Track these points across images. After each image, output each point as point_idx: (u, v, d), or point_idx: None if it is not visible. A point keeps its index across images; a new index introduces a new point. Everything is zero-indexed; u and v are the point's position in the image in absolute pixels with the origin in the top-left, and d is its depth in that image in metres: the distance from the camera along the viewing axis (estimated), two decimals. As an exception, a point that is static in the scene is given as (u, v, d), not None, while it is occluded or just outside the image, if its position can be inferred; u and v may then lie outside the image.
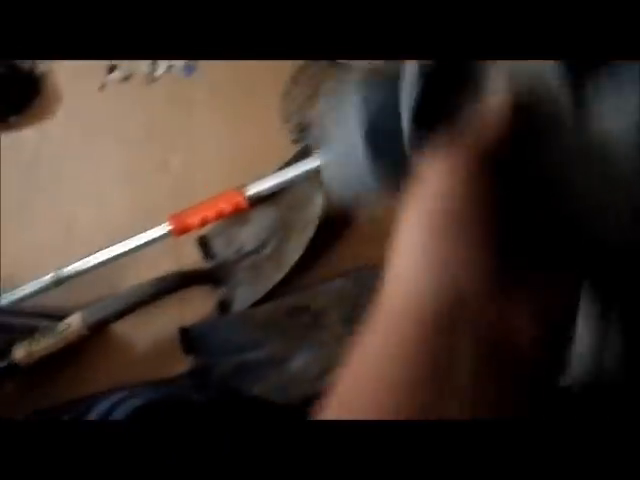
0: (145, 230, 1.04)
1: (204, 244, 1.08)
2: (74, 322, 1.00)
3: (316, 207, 0.96)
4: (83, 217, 1.20)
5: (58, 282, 1.04)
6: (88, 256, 1.05)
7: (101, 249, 1.05)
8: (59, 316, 1.03)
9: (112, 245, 1.04)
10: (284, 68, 1.05)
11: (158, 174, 1.20)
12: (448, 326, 0.37)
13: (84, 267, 1.04)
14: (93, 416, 0.67)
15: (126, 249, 1.03)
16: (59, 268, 1.05)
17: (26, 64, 1.40)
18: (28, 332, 1.03)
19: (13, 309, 1.07)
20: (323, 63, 1.01)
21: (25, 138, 1.34)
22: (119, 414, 0.65)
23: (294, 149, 1.03)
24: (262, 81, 1.19)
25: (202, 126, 1.22)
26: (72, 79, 1.39)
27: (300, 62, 1.04)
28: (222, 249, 1.07)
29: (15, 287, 1.07)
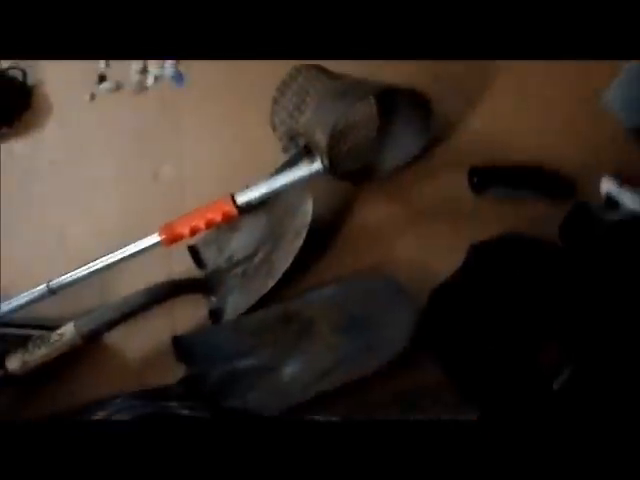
0: (136, 240, 1.04)
1: (195, 253, 1.08)
2: (67, 332, 1.01)
3: (305, 215, 0.97)
4: (75, 228, 1.21)
5: (51, 292, 1.05)
6: (80, 266, 1.05)
7: (93, 259, 1.05)
8: (52, 326, 1.04)
9: (104, 255, 1.05)
10: (273, 77, 1.06)
11: (149, 183, 1.21)
12: None
13: (76, 277, 1.05)
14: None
15: (117, 259, 1.03)
16: (51, 279, 1.06)
17: (17, 76, 1.41)
18: (21, 342, 1.03)
19: (6, 320, 1.07)
20: (311, 72, 1.02)
21: (16, 149, 1.35)
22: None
23: (283, 157, 1.03)
24: (251, 90, 1.19)
25: (192, 135, 1.23)
26: (63, 90, 1.40)
27: (288, 71, 1.04)
28: (213, 258, 1.08)
29: (8, 298, 1.08)
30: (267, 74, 1.08)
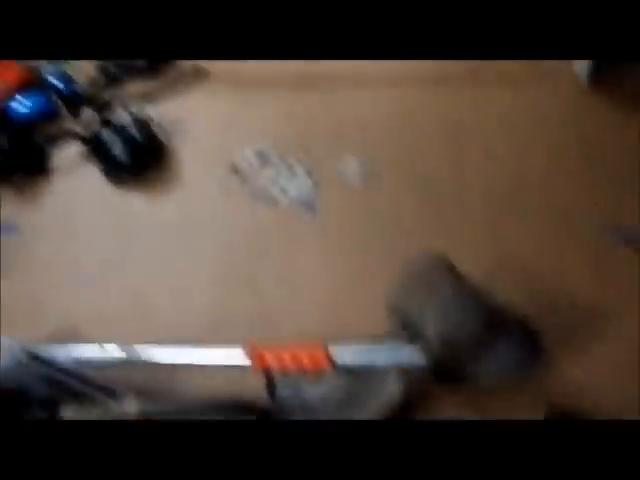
0: (216, 341, 1.08)
1: (270, 381, 1.10)
2: (129, 408, 1.02)
3: (391, 395, 1.00)
4: (159, 300, 1.26)
5: (126, 362, 1.08)
6: (164, 345, 1.09)
7: (176, 342, 1.09)
8: (110, 391, 1.06)
9: (185, 345, 1.09)
10: (406, 247, 1.11)
11: (245, 288, 1.26)
12: None
13: (155, 357, 1.09)
14: None
15: (198, 361, 1.07)
16: (130, 344, 1.09)
17: (161, 133, 1.48)
18: (74, 395, 1.06)
19: (69, 368, 1.10)
20: (442, 267, 1.06)
21: (140, 203, 1.42)
22: None
23: (389, 330, 1.08)
24: (379, 258, 1.26)
25: (307, 264, 1.29)
26: (196, 162, 1.47)
27: (422, 259, 1.09)
28: (286, 392, 1.09)
29: (75, 341, 1.13)
30: (398, 245, 1.15)
